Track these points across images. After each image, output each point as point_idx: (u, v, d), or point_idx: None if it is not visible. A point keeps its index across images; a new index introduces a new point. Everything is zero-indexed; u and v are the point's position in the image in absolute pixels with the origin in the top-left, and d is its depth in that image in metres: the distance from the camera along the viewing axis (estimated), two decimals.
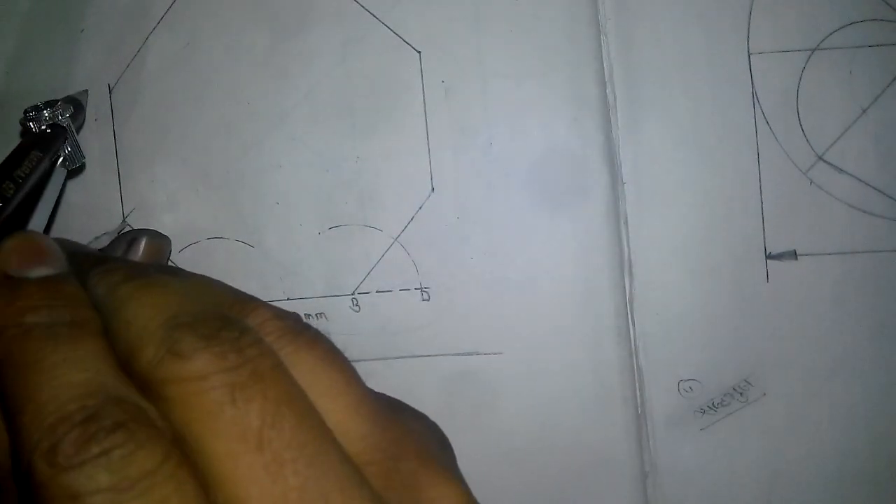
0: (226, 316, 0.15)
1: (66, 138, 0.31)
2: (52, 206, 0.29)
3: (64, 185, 0.32)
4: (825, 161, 0.35)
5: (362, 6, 0.35)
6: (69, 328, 0.15)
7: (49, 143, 0.30)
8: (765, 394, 0.35)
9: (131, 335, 0.15)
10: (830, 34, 0.34)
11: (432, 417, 0.20)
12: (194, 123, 0.35)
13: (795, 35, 0.34)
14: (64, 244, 0.18)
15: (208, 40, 0.35)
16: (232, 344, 0.14)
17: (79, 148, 0.31)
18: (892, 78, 0.34)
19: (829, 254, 0.35)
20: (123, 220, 0.35)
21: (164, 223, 0.35)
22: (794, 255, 0.35)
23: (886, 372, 0.35)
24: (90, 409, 0.13)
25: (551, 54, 0.34)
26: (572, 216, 0.35)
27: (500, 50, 0.35)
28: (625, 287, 0.35)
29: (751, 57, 0.34)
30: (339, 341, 0.17)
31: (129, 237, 0.27)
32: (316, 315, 0.35)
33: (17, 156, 0.28)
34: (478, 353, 0.35)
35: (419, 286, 0.35)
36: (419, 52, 0.35)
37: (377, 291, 0.35)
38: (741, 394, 0.35)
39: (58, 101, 0.31)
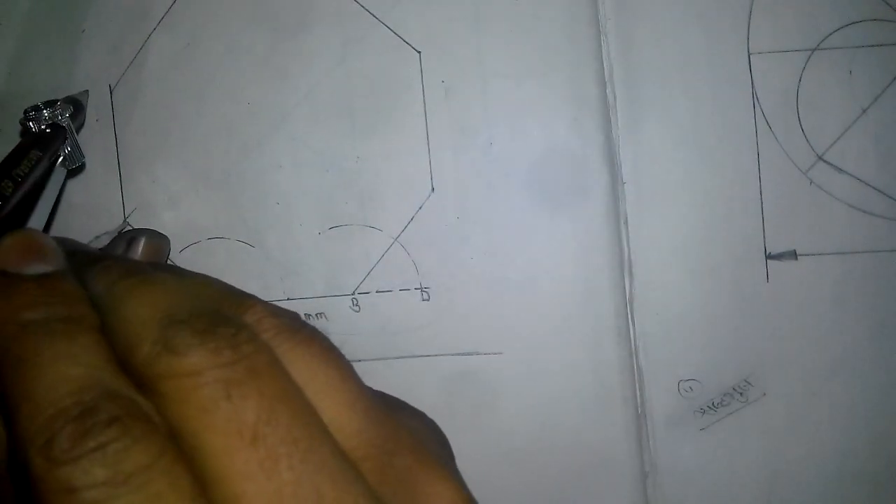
0: (222, 313, 0.15)
1: (66, 138, 0.31)
2: (51, 205, 0.29)
3: (64, 184, 0.32)
4: (825, 161, 0.35)
5: (362, 6, 0.35)
6: (66, 324, 0.15)
7: (48, 142, 0.30)
8: (765, 394, 0.35)
9: (128, 331, 0.15)
10: (830, 34, 0.34)
11: (432, 417, 0.20)
12: (195, 124, 0.35)
13: (795, 35, 0.34)
14: (63, 243, 0.18)
15: (209, 40, 0.35)
16: (227, 340, 0.14)
17: (78, 148, 0.31)
18: (892, 78, 0.34)
19: (829, 254, 0.35)
20: (124, 220, 0.35)
21: (164, 223, 0.35)
22: (794, 255, 0.35)
23: (886, 372, 0.35)
24: (86, 404, 0.13)
25: (551, 54, 0.34)
26: (572, 216, 0.35)
27: (500, 50, 0.35)
28: (625, 287, 0.35)
29: (751, 57, 0.34)
30: (339, 341, 0.17)
31: (128, 236, 0.27)
32: (316, 315, 0.35)
33: (17, 155, 0.28)
34: (478, 353, 0.35)
35: (419, 286, 0.35)
36: (419, 52, 0.35)
37: (377, 291, 0.35)
38: (741, 394, 0.35)
39: (57, 101, 0.31)
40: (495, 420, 0.35)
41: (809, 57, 0.34)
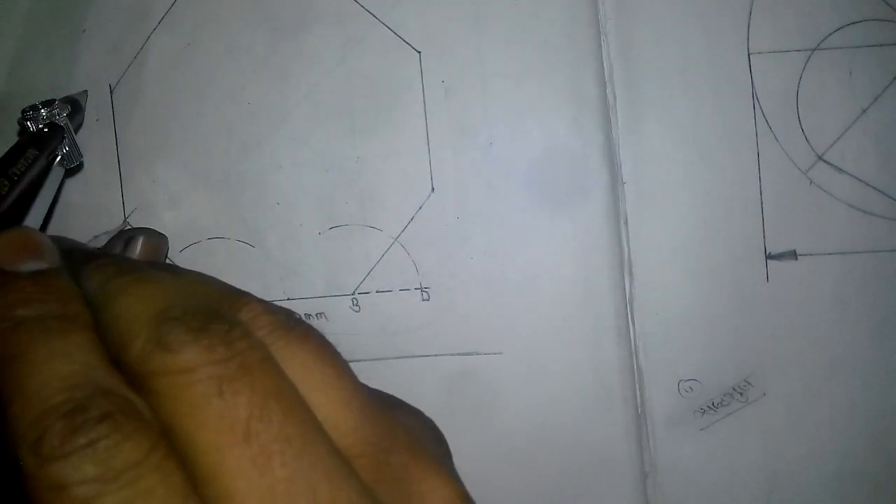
0: (216, 310, 0.15)
1: (64, 137, 0.31)
2: (48, 204, 0.29)
3: (62, 184, 0.32)
4: (825, 161, 0.35)
5: (362, 6, 0.35)
6: (59, 321, 0.15)
7: (46, 141, 0.30)
8: (765, 394, 0.35)
9: (121, 328, 0.15)
10: (830, 34, 0.34)
11: (432, 417, 0.20)
12: (195, 124, 0.35)
13: (795, 35, 0.34)
14: (59, 241, 0.18)
15: (209, 40, 0.35)
16: (221, 337, 0.14)
17: (76, 147, 0.31)
18: (892, 78, 0.34)
19: (829, 254, 0.35)
20: (125, 220, 0.35)
21: (164, 223, 0.35)
22: (794, 255, 0.35)
23: (886, 372, 0.35)
24: (77, 401, 0.13)
25: (551, 54, 0.34)
26: (572, 216, 0.35)
27: (500, 50, 0.35)
28: (625, 287, 0.35)
29: (751, 57, 0.34)
30: (339, 341, 0.17)
31: (126, 236, 0.27)
32: (316, 315, 0.35)
33: (13, 154, 0.28)
34: (478, 353, 0.35)
35: (419, 286, 0.35)
36: (419, 52, 0.35)
37: (377, 291, 0.35)
38: (741, 394, 0.35)
39: (55, 100, 0.31)
40: (495, 420, 0.35)
41: (809, 57, 0.34)
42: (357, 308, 0.35)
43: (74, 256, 0.17)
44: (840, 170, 0.35)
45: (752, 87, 0.34)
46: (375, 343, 0.35)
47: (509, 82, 0.35)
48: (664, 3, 0.34)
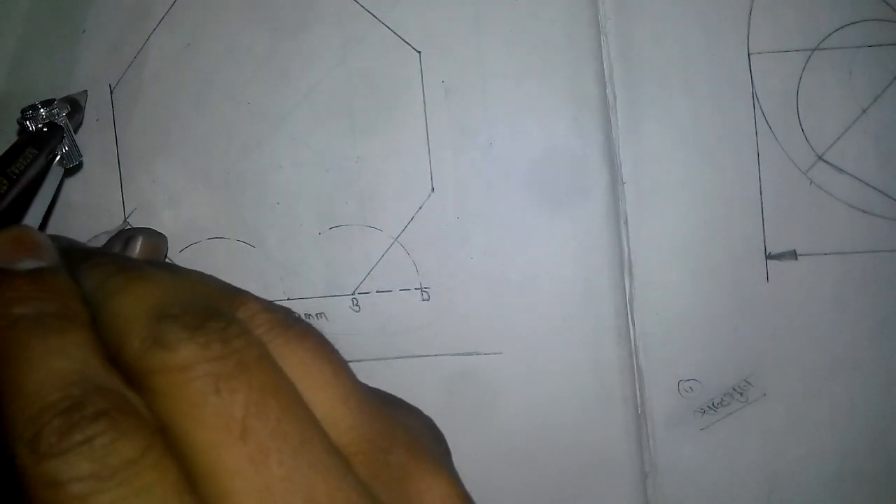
0: (213, 307, 0.15)
1: (63, 137, 0.31)
2: (47, 203, 0.29)
3: (61, 183, 0.32)
4: (825, 161, 0.35)
5: (362, 6, 0.35)
6: (57, 320, 0.15)
7: (45, 141, 0.30)
8: (765, 394, 0.35)
9: (118, 326, 0.15)
10: (830, 34, 0.34)
11: (432, 417, 0.20)
12: (195, 124, 0.35)
13: (795, 35, 0.34)
14: (58, 240, 0.18)
15: (209, 41, 0.35)
16: (218, 334, 0.14)
17: (76, 147, 0.32)
18: (892, 78, 0.34)
19: (829, 254, 0.35)
20: (125, 220, 0.35)
21: (164, 223, 0.35)
22: (794, 255, 0.35)
23: (886, 372, 0.35)
24: (74, 398, 0.13)
25: (551, 54, 0.34)
26: (572, 216, 0.35)
27: (500, 50, 0.35)
28: (625, 287, 0.35)
29: (751, 57, 0.34)
30: (339, 341, 0.17)
31: (125, 236, 0.27)
32: (316, 315, 0.35)
33: (12, 153, 0.28)
34: (478, 353, 0.35)
35: (419, 286, 0.35)
36: (419, 52, 0.35)
37: (377, 291, 0.35)
38: (741, 394, 0.35)
39: (54, 100, 0.31)
40: (495, 420, 0.35)
41: (809, 57, 0.34)
42: (357, 308, 0.35)
43: (73, 255, 0.17)
44: (840, 170, 0.35)
45: (752, 87, 0.34)
46: (375, 343, 0.35)
47: (509, 82, 0.35)
48: (664, 3, 0.34)
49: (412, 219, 0.35)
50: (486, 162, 0.35)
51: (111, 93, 0.35)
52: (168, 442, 0.14)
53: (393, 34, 0.35)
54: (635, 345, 0.35)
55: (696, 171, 0.35)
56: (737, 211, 0.35)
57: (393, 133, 0.35)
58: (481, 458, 0.35)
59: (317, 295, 0.35)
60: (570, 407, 0.35)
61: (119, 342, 0.14)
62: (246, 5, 0.35)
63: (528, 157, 0.35)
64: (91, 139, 0.35)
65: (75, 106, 0.33)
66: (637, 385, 0.35)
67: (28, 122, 0.30)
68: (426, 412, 0.19)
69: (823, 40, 0.34)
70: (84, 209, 0.36)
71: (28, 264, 0.16)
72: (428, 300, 0.35)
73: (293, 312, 0.16)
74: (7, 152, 0.28)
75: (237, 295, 0.16)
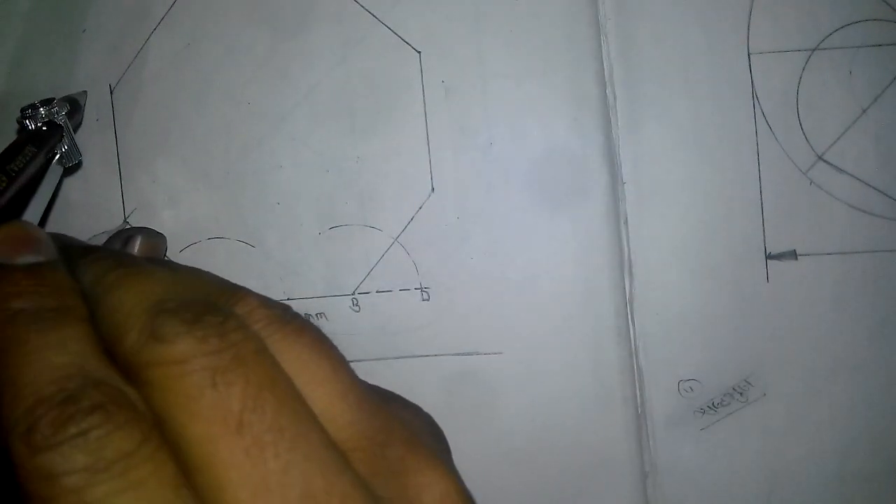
0: (211, 302, 0.15)
1: (63, 136, 0.31)
2: (46, 201, 0.29)
3: (60, 182, 0.32)
4: (825, 161, 0.35)
5: (362, 6, 0.35)
6: (54, 314, 0.15)
7: (44, 139, 0.30)
8: (765, 394, 0.35)
9: (116, 320, 0.15)
10: (830, 34, 0.34)
11: (432, 417, 0.20)
12: (195, 124, 0.35)
13: (795, 35, 0.34)
14: (56, 238, 0.18)
15: (209, 41, 0.35)
16: (215, 328, 0.14)
17: (75, 146, 0.32)
18: (892, 78, 0.34)
19: (829, 254, 0.35)
20: (125, 220, 0.35)
21: (164, 223, 0.35)
22: (794, 255, 0.35)
23: (886, 372, 0.35)
24: (69, 391, 0.13)
25: (551, 54, 0.34)
26: (572, 216, 0.35)
27: (500, 50, 0.35)
28: (625, 287, 0.35)
29: (751, 57, 0.34)
30: (339, 341, 0.17)
31: (124, 235, 0.27)
32: (316, 315, 0.35)
33: (11, 151, 0.28)
34: (478, 353, 0.35)
35: (419, 286, 0.35)
36: (419, 52, 0.35)
37: (377, 291, 0.35)
38: (741, 394, 0.35)
39: (54, 99, 0.31)
40: (495, 420, 0.35)
41: (809, 57, 0.34)
42: (357, 308, 0.35)
43: (71, 251, 0.17)
44: (840, 170, 0.35)
45: (752, 87, 0.34)
46: (375, 343, 0.35)
47: (509, 82, 0.35)
48: (664, 3, 0.34)
49: (412, 219, 0.35)
50: (486, 162, 0.35)
51: (111, 93, 0.35)
52: (164, 435, 0.14)
53: (393, 34, 0.35)
54: (635, 345, 0.35)
55: (696, 171, 0.35)
56: (737, 211, 0.35)
57: (393, 133, 0.35)
58: (481, 458, 0.35)
59: (317, 295, 0.35)
60: (570, 407, 0.35)
61: (116, 336, 0.14)
62: (246, 5, 0.35)
63: (528, 157, 0.35)
64: (91, 139, 0.35)
65: (75, 105, 0.33)
66: (637, 385, 0.35)
67: (27, 121, 0.31)
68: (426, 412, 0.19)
69: (823, 40, 0.34)
70: (84, 209, 0.36)
71: (27, 259, 0.16)
72: (428, 300, 0.35)
73: (291, 308, 0.16)
74: (6, 150, 0.28)
75: (235, 291, 0.16)
